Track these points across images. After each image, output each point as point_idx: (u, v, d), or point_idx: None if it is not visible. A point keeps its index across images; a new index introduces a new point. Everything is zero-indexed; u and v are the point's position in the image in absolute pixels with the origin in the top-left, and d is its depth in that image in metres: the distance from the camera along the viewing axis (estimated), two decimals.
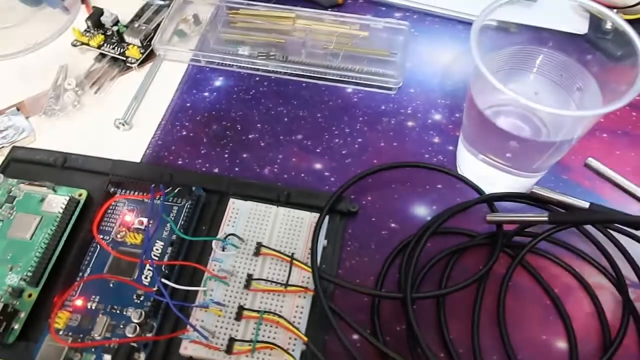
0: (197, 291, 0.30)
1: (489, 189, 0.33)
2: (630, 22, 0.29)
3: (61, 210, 0.33)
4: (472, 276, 0.29)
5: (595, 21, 0.31)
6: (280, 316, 0.29)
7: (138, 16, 0.45)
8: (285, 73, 0.41)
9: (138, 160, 0.37)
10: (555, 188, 0.35)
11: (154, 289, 0.29)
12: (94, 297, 0.30)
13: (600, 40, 0.31)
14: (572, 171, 0.36)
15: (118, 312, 0.30)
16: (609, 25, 0.30)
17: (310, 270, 0.30)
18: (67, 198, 0.33)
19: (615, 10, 0.31)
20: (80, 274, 0.31)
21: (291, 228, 0.32)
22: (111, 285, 0.30)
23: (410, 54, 0.42)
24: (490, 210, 0.32)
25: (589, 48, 0.32)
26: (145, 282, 0.31)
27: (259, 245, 0.31)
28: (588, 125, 0.29)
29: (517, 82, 0.33)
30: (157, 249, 0.32)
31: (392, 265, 0.32)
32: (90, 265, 0.31)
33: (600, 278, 0.32)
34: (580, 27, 0.34)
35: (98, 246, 0.32)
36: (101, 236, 0.32)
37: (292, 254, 0.31)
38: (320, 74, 0.41)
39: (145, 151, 0.38)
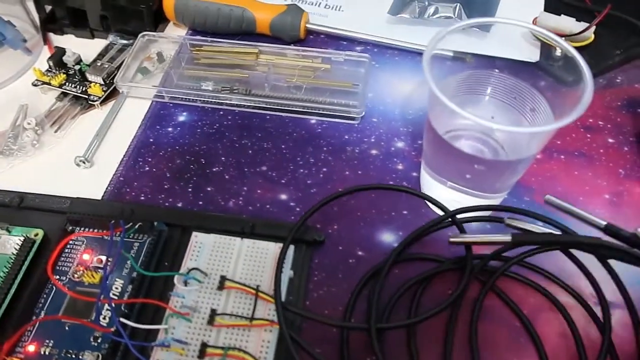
0: (158, 330, 0.29)
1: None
2: (577, 49, 0.30)
3: (15, 251, 0.32)
4: (441, 304, 0.28)
5: (546, 49, 0.32)
6: (245, 352, 0.28)
7: (101, 55, 0.45)
8: (249, 106, 0.42)
9: (99, 197, 0.37)
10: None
11: (112, 329, 0.28)
12: (47, 341, 0.29)
13: (551, 67, 0.33)
14: (533, 193, 0.37)
15: (74, 356, 0.28)
16: (558, 53, 0.32)
17: None
18: (22, 238, 0.32)
19: (563, 38, 0.33)
20: (34, 317, 0.30)
21: (256, 260, 0.32)
22: (67, 327, 0.29)
23: (372, 85, 0.43)
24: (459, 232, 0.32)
25: (542, 74, 0.33)
26: (104, 322, 0.29)
27: (223, 278, 0.31)
28: (542, 143, 0.30)
29: (473, 106, 0.34)
30: (116, 288, 0.31)
31: (360, 295, 0.32)
32: (45, 308, 0.30)
33: (570, 298, 0.32)
34: (532, 55, 0.36)
35: (54, 287, 0.31)
36: (57, 276, 0.31)
37: (258, 286, 0.30)
38: (284, 106, 0.41)
39: (107, 188, 0.37)
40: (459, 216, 0.31)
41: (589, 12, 0.47)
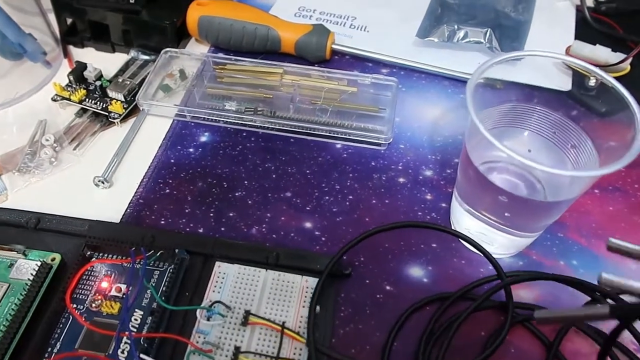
0: None
1: (485, 248, 0.32)
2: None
3: (31, 277, 0.30)
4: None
5: (579, 78, 0.31)
6: None
7: (122, 71, 0.44)
8: (273, 128, 0.41)
9: (117, 220, 0.35)
10: (552, 247, 0.35)
11: None
12: None
13: (584, 97, 0.32)
14: (567, 229, 0.36)
15: None
16: (592, 82, 0.30)
17: (302, 340, 0.28)
18: (39, 263, 0.31)
19: (598, 68, 0.32)
20: (50, 348, 0.28)
21: (281, 293, 0.31)
22: None
23: (399, 110, 0.42)
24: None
25: (574, 104, 0.32)
26: (122, 357, 0.28)
27: (247, 313, 0.29)
28: (587, 185, 0.28)
29: (511, 139, 0.32)
30: (135, 319, 0.29)
31: (396, 337, 0.30)
32: (61, 339, 0.29)
33: None
34: (564, 84, 0.34)
35: (70, 317, 0.29)
36: (74, 305, 0.30)
37: (284, 322, 0.29)
38: (308, 129, 0.40)
39: (126, 211, 0.36)
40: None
41: (621, 40, 0.46)
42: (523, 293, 0.32)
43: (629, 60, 0.41)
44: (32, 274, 0.30)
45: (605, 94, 0.29)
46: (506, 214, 0.30)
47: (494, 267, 0.30)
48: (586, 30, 0.47)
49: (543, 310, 0.25)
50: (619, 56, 0.41)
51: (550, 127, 0.32)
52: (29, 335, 0.29)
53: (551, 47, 0.42)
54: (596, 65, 0.39)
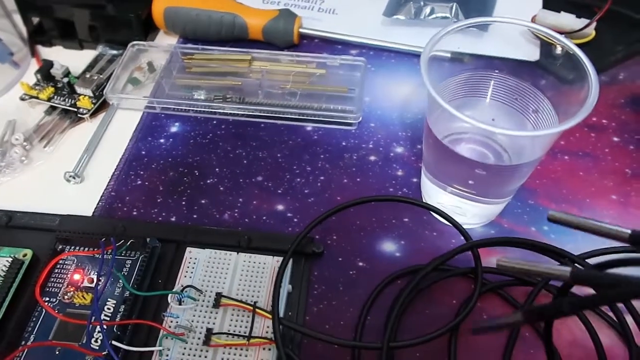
0: (152, 352, 0.28)
1: (457, 219, 0.32)
2: (578, 46, 0.29)
3: (2, 274, 0.30)
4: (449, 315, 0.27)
5: (546, 48, 0.31)
6: None
7: (91, 67, 0.44)
8: (243, 115, 0.41)
9: (90, 214, 0.35)
10: (522, 214, 0.35)
11: (104, 353, 0.27)
12: None
13: (552, 65, 0.32)
14: (537, 195, 0.36)
15: None
16: (559, 51, 0.30)
17: None
18: (10, 259, 0.31)
19: (563, 35, 0.32)
20: (23, 342, 0.28)
21: (253, 275, 0.31)
22: (57, 352, 0.28)
23: (369, 89, 0.42)
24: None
25: (542, 73, 0.32)
26: (95, 345, 0.28)
27: (219, 295, 0.29)
28: (547, 146, 0.28)
29: (473, 109, 0.32)
30: (108, 308, 0.29)
31: (369, 312, 0.30)
32: (34, 332, 0.29)
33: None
34: (532, 54, 0.34)
35: (43, 310, 0.29)
36: (46, 298, 0.30)
37: (255, 302, 0.29)
38: (278, 113, 0.40)
39: (98, 204, 0.36)
40: None
41: (588, 7, 0.45)
42: (494, 261, 0.32)
43: (594, 25, 0.41)
44: (3, 270, 0.31)
45: (569, 62, 0.29)
46: (471, 182, 0.30)
47: (458, 231, 0.30)
48: (553, 0, 0.47)
49: (505, 258, 0.25)
50: (584, 22, 0.41)
51: (511, 94, 0.32)
52: (2, 330, 0.29)
53: (518, 17, 0.42)
54: (562, 33, 0.40)
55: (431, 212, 0.35)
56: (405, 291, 0.29)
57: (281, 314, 0.28)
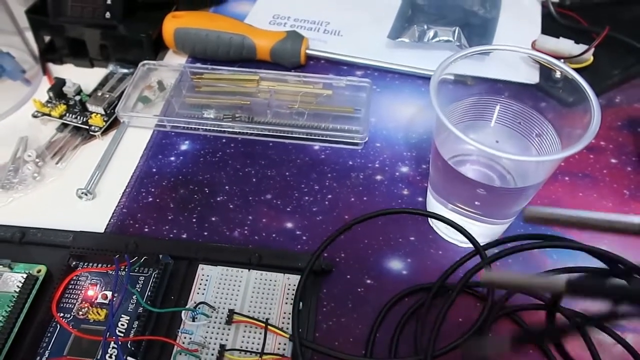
0: None
1: (460, 238, 0.33)
2: (577, 70, 0.30)
3: (17, 289, 0.31)
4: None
5: (546, 71, 0.33)
6: None
7: (101, 85, 0.45)
8: (251, 134, 0.42)
9: (102, 230, 0.36)
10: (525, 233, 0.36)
11: None
12: None
13: (552, 89, 0.33)
14: None
15: None
16: (558, 75, 0.32)
17: (286, 335, 0.29)
18: (25, 275, 0.32)
19: (562, 60, 0.33)
20: (38, 358, 0.29)
21: (264, 292, 0.31)
22: None
23: (374, 110, 0.43)
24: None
25: (542, 96, 0.33)
26: None
27: (231, 312, 0.30)
28: (551, 170, 0.30)
29: (478, 132, 0.34)
30: (122, 324, 0.30)
31: (379, 330, 0.31)
32: (49, 348, 0.29)
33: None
34: (532, 77, 0.36)
35: (58, 325, 0.30)
36: (61, 314, 0.30)
37: (267, 319, 0.30)
38: (286, 132, 0.41)
39: (110, 221, 0.37)
40: None
41: (586, 32, 0.47)
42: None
43: (592, 51, 0.43)
44: (18, 286, 0.31)
45: (569, 85, 0.30)
46: (477, 203, 0.31)
47: (467, 239, 0.31)
48: (552, 25, 0.49)
49: (492, 272, 0.23)
50: (582, 47, 0.43)
51: (515, 118, 0.33)
52: (17, 345, 0.29)
53: (518, 42, 0.43)
54: (560, 58, 0.41)
55: (436, 231, 0.36)
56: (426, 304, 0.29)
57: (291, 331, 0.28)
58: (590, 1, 0.51)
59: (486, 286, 0.29)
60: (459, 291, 0.29)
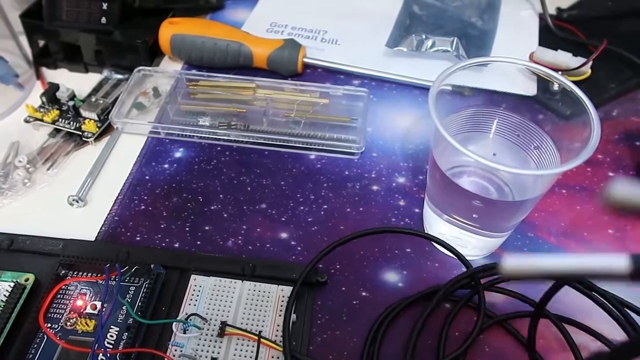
0: None
1: (458, 250, 0.32)
2: (574, 83, 0.30)
3: (4, 299, 0.30)
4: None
5: (543, 83, 0.33)
6: None
7: (96, 90, 0.44)
8: (247, 142, 0.41)
9: (92, 238, 0.35)
10: (522, 247, 0.36)
11: None
12: None
13: (550, 101, 0.33)
14: (537, 228, 0.36)
15: None
16: (556, 87, 0.32)
17: (279, 348, 0.28)
18: (12, 284, 0.31)
19: (560, 72, 0.33)
20: None
21: (257, 303, 0.31)
22: None
23: (371, 119, 0.43)
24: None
25: (540, 108, 0.33)
26: None
27: (224, 324, 0.29)
28: (549, 183, 0.29)
29: (476, 143, 0.33)
30: (111, 336, 0.29)
31: (374, 341, 0.31)
32: (36, 359, 0.28)
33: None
34: (529, 89, 0.36)
35: (45, 336, 0.29)
36: (49, 325, 0.30)
37: (260, 332, 0.29)
38: (282, 141, 0.41)
39: (101, 228, 0.36)
40: None
41: (583, 45, 0.47)
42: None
43: (589, 64, 0.43)
44: (5, 295, 0.30)
45: (567, 98, 0.30)
46: (475, 216, 0.31)
47: (460, 261, 0.30)
48: (549, 37, 0.49)
49: (515, 259, 0.16)
50: (580, 60, 0.43)
51: (514, 130, 0.33)
52: (3, 357, 0.28)
53: (516, 54, 0.43)
54: (558, 70, 0.41)
55: (433, 243, 0.35)
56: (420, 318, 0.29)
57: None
58: (587, 14, 0.51)
59: (510, 279, 0.27)
60: (460, 308, 0.29)
